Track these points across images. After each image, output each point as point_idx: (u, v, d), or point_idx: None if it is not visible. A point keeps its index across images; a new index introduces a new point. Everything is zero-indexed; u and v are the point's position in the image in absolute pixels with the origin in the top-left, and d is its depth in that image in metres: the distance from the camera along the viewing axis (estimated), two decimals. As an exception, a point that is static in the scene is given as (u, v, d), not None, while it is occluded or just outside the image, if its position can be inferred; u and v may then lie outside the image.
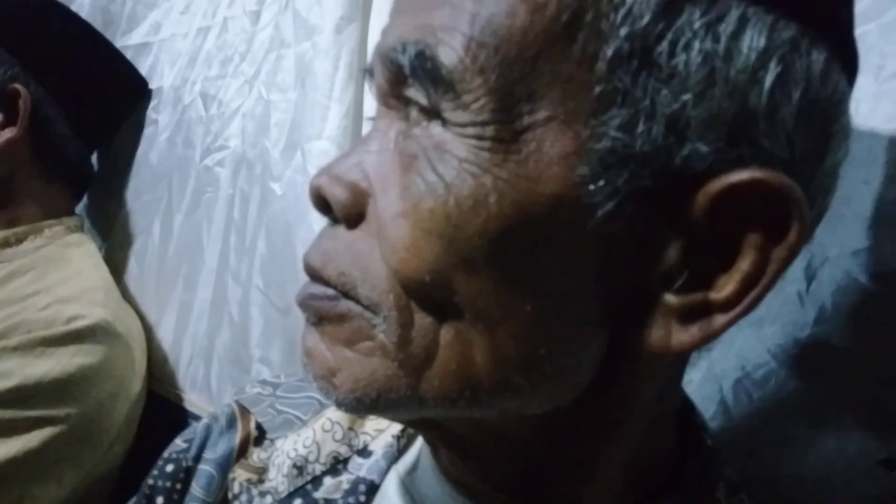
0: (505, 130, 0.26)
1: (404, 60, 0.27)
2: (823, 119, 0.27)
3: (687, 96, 0.25)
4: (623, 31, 0.25)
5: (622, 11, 0.25)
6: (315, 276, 0.30)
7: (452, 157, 0.26)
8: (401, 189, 0.27)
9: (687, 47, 0.25)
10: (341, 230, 0.30)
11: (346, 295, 0.29)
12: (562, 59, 0.25)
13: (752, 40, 0.25)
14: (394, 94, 0.29)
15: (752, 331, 0.46)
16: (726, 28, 0.25)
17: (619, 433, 0.31)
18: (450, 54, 0.26)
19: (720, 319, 0.26)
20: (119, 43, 0.95)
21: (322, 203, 0.30)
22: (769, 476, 0.44)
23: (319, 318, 0.30)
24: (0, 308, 0.72)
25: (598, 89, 0.25)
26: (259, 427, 0.42)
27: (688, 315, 0.27)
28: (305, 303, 0.30)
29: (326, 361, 0.29)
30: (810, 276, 0.44)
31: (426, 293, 0.27)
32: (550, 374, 0.27)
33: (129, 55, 0.94)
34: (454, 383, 0.27)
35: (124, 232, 0.94)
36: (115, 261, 0.93)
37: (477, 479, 0.33)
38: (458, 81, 0.26)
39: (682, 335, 0.27)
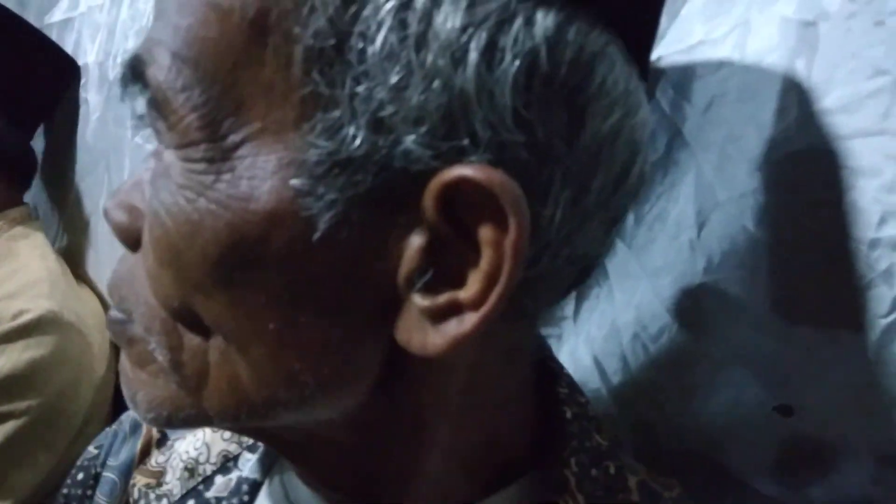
0: (214, 149, 0.24)
1: (120, 76, 0.26)
2: (564, 90, 0.24)
3: (382, 92, 0.23)
4: (310, 29, 0.23)
5: (305, 8, 0.23)
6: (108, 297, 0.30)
7: (171, 181, 0.25)
8: (146, 218, 0.27)
9: (373, 39, 0.23)
10: (129, 255, 0.30)
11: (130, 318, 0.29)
12: (259, 66, 0.24)
13: (447, 19, 0.23)
14: None
15: (649, 283, 0.45)
16: (415, 11, 0.23)
17: (425, 433, 0.30)
18: (156, 72, 0.25)
19: (471, 318, 0.24)
20: (42, 23, 0.92)
21: (111, 226, 0.30)
22: (674, 426, 0.44)
23: (119, 342, 0.31)
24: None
25: (298, 94, 0.24)
26: (162, 430, 0.42)
27: (439, 316, 0.25)
28: (108, 327, 0.31)
29: (130, 383, 0.30)
30: (701, 223, 0.43)
31: (181, 316, 0.27)
32: (316, 385, 0.27)
33: (53, 34, 0.91)
34: (229, 401, 0.27)
35: (76, 216, 0.94)
36: (73, 245, 0.93)
37: (316, 481, 0.34)
38: (163, 100, 0.25)
39: (434, 337, 0.25)
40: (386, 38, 0.23)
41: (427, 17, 0.23)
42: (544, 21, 0.23)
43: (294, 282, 0.25)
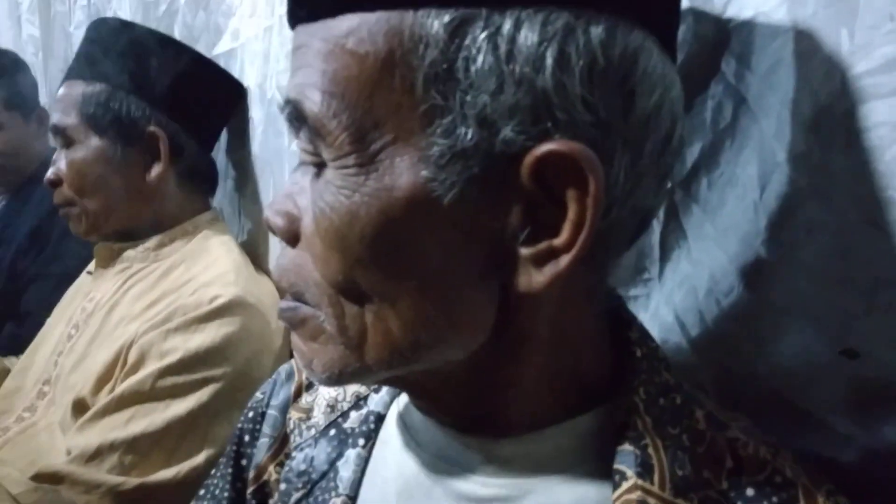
0: (362, 157, 0.34)
1: (286, 116, 0.36)
2: (617, 79, 0.33)
3: (485, 98, 0.32)
4: (426, 60, 0.32)
5: (421, 46, 0.32)
6: (277, 287, 0.40)
7: (332, 185, 0.35)
8: (311, 216, 0.36)
9: (475, 60, 0.31)
10: (289, 250, 0.39)
11: (300, 300, 0.38)
12: (390, 92, 0.33)
13: (527, 38, 0.31)
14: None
15: (720, 242, 0.49)
16: (503, 36, 0.31)
17: (527, 359, 0.38)
18: (311, 106, 0.34)
19: (565, 259, 0.33)
20: (210, 54, 1.08)
21: (271, 231, 0.39)
22: (747, 372, 0.48)
23: (292, 325, 0.40)
24: (163, 298, 0.92)
25: (421, 108, 0.32)
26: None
27: (540, 260, 0.34)
28: (280, 316, 0.40)
29: (304, 354, 0.39)
30: (763, 184, 0.46)
31: (344, 289, 0.36)
32: (448, 326, 0.36)
33: (221, 63, 1.07)
34: (384, 351, 0.36)
35: (252, 214, 1.10)
36: (251, 239, 1.10)
37: (433, 410, 0.42)
38: (320, 126, 0.34)
39: (538, 277, 0.34)
40: (484, 58, 0.31)
41: (512, 39, 0.31)
42: (597, 30, 0.32)
43: (429, 247, 0.34)
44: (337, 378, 0.38)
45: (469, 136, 0.32)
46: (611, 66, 0.32)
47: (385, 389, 0.48)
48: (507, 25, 0.31)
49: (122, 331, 0.91)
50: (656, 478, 0.36)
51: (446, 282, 0.35)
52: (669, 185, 0.52)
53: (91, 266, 1.08)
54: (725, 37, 0.48)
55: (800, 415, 0.46)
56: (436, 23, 0.31)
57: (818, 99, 0.42)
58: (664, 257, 0.54)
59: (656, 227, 0.53)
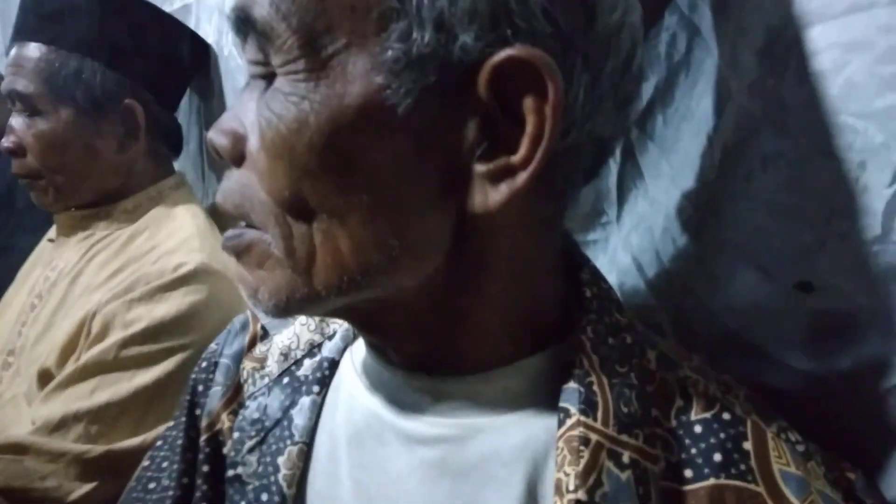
0: (313, 62, 0.32)
1: (233, 25, 0.34)
2: None
3: (443, 1, 0.30)
4: None
5: None
6: (220, 213, 0.37)
7: (280, 93, 0.33)
8: (257, 129, 0.34)
9: None
10: (233, 171, 0.37)
11: (246, 223, 0.36)
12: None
13: None
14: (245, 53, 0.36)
15: (673, 181, 0.48)
16: None
17: (482, 289, 0.37)
18: (259, 10, 0.32)
19: (522, 176, 0.32)
20: (167, 9, 1.04)
21: (217, 152, 0.37)
22: (705, 309, 0.47)
23: (237, 254, 0.37)
24: (126, 266, 0.90)
25: (375, 11, 0.31)
26: (263, 328, 0.53)
27: (497, 177, 0.33)
28: (224, 245, 0.38)
29: (250, 284, 0.37)
30: (717, 116, 0.44)
31: (291, 206, 0.34)
32: (401, 248, 0.34)
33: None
34: (333, 274, 0.34)
35: (218, 177, 1.08)
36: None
37: (386, 345, 0.41)
38: (269, 30, 0.32)
39: (494, 195, 0.33)
40: None
41: None
42: None
43: (381, 159, 0.32)
44: (285, 306, 0.36)
45: (426, 41, 0.31)
46: None
47: (339, 335, 0.48)
48: None
49: (86, 300, 0.89)
50: (599, 414, 0.36)
51: (399, 199, 0.33)
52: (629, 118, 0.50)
53: (52, 233, 1.05)
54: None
55: (757, 352, 0.45)
56: None
57: (769, 24, 0.41)
58: (622, 199, 0.53)
59: (613, 168, 0.52)
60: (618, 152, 0.51)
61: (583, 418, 0.35)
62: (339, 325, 0.48)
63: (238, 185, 0.36)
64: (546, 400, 0.38)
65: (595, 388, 0.36)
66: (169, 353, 0.82)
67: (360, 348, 0.45)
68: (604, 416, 0.36)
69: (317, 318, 0.50)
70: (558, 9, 0.31)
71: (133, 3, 0.97)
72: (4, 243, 1.39)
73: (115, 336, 0.81)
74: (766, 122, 0.41)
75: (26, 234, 1.34)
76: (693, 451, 0.36)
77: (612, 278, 0.52)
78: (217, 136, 0.36)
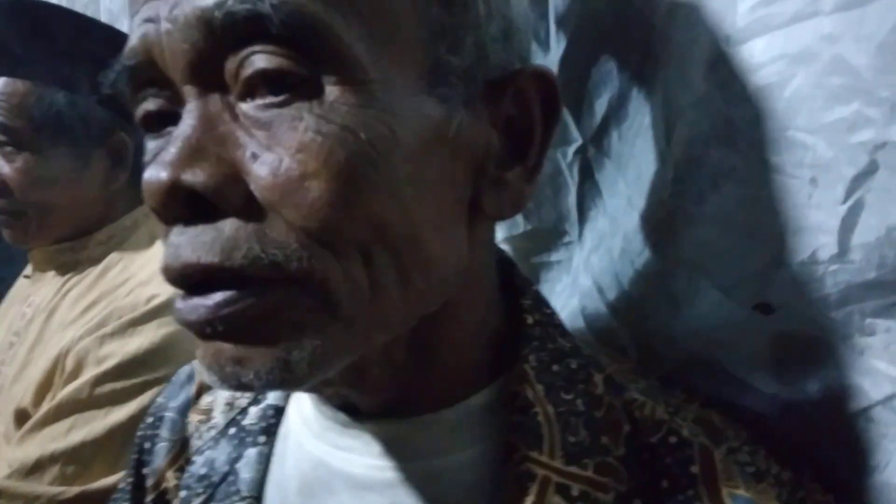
0: (376, 70, 0.29)
1: (273, 21, 0.27)
2: None
3: (480, 22, 0.32)
4: None
5: None
6: (213, 272, 0.28)
7: (344, 106, 0.28)
8: (291, 152, 0.28)
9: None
10: (208, 224, 0.29)
11: (269, 277, 0.28)
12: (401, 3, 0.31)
13: None
14: (218, 67, 0.29)
15: (629, 200, 0.46)
16: None
17: (457, 316, 0.36)
18: (322, 15, 0.28)
19: (531, 183, 0.35)
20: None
21: (176, 200, 0.28)
22: (666, 332, 0.45)
23: (244, 328, 0.29)
24: (100, 300, 0.88)
25: (429, 24, 0.31)
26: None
27: (512, 185, 0.35)
28: (217, 315, 0.28)
29: (255, 360, 0.29)
30: (668, 133, 0.43)
31: (362, 238, 0.29)
32: (450, 272, 0.34)
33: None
34: (401, 309, 0.32)
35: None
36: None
37: (354, 391, 0.37)
38: (333, 38, 0.28)
39: (513, 195, 0.35)
40: (476, 4, 0.32)
41: None
42: None
43: (437, 174, 0.32)
44: (319, 370, 0.30)
45: (468, 56, 0.32)
46: None
47: None
48: None
49: (61, 336, 0.87)
50: (545, 446, 0.34)
51: (448, 216, 0.33)
52: (581, 142, 0.49)
53: (28, 269, 1.04)
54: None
55: (722, 375, 0.43)
56: None
57: (713, 37, 0.39)
58: (582, 218, 0.51)
59: (572, 187, 0.51)
60: (575, 170, 0.50)
61: (528, 452, 0.34)
62: None
63: (240, 233, 0.28)
64: (494, 435, 0.36)
65: (540, 418, 0.35)
66: (143, 387, 0.81)
67: (304, 397, 0.43)
68: (550, 448, 0.34)
69: None
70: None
71: (103, 32, 0.95)
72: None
73: (89, 373, 0.80)
74: (715, 139, 0.39)
75: (12, 265, 1.34)
76: (642, 478, 0.35)
77: (573, 301, 0.51)
78: (194, 173, 0.28)
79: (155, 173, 0.28)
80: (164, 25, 0.29)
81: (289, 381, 0.30)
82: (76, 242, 0.97)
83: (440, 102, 0.31)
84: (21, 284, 1.07)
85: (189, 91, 0.30)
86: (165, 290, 0.85)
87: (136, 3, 0.31)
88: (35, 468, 0.77)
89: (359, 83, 0.29)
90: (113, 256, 0.95)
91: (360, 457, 0.38)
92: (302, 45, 0.28)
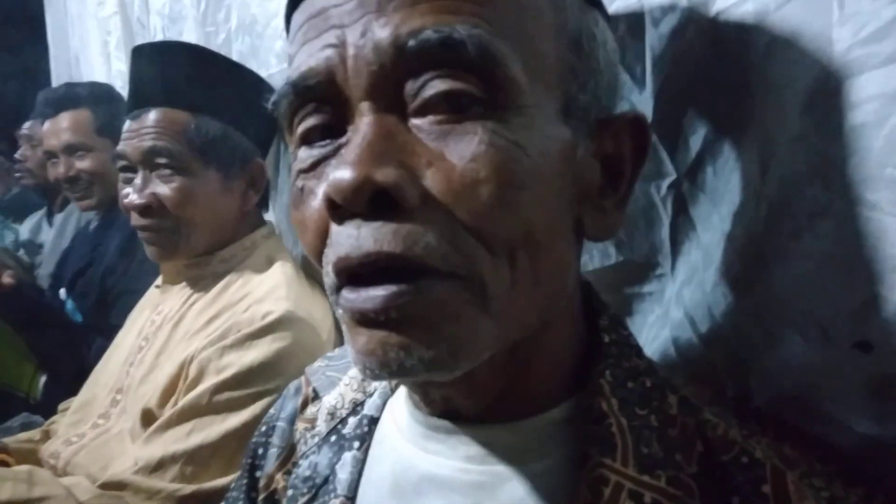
0: (533, 96, 0.35)
1: (469, 51, 0.32)
2: None
3: (599, 69, 0.38)
4: (569, 25, 0.37)
5: (566, 11, 0.37)
6: (394, 260, 0.32)
7: (513, 125, 0.33)
8: (465, 160, 0.33)
9: (591, 38, 0.38)
10: (386, 221, 0.32)
11: (438, 270, 0.32)
12: (547, 42, 0.36)
13: (601, 25, 0.40)
14: (399, 87, 0.34)
15: (724, 234, 0.46)
16: (596, 23, 0.39)
17: (551, 326, 0.39)
18: (497, 46, 0.33)
19: (621, 210, 0.40)
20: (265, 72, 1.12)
21: (364, 195, 0.32)
22: (761, 367, 0.45)
23: (406, 318, 0.32)
24: (221, 314, 0.96)
25: (567, 66, 0.37)
26: (314, 390, 0.55)
27: (610, 210, 0.39)
28: (393, 304, 0.32)
29: (417, 346, 0.33)
30: (763, 170, 0.43)
31: (516, 240, 0.34)
32: (569, 276, 0.39)
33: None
34: (532, 309, 0.37)
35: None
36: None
37: (454, 397, 0.40)
38: (505, 67, 0.33)
39: (609, 219, 0.40)
40: (596, 54, 0.38)
41: (599, 24, 0.39)
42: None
43: (570, 187, 0.37)
44: (466, 357, 0.34)
45: (587, 97, 0.37)
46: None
47: (377, 393, 0.49)
48: (596, 14, 0.39)
49: (185, 345, 0.96)
50: (619, 455, 0.36)
51: (567, 225, 0.38)
52: (675, 176, 0.50)
53: (158, 280, 1.14)
54: (721, 21, 0.46)
55: (817, 413, 0.43)
56: None
57: (810, 76, 0.40)
58: (675, 251, 0.52)
59: (665, 220, 0.52)
60: (669, 204, 0.51)
61: (602, 459, 0.36)
62: (379, 384, 0.50)
63: (427, 228, 0.32)
64: (572, 445, 0.39)
65: (614, 429, 0.37)
66: (257, 397, 0.87)
67: (399, 403, 0.47)
68: (623, 457, 0.36)
69: (359, 378, 0.52)
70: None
71: (244, 71, 1.05)
72: (125, 288, 1.52)
73: (209, 381, 0.87)
74: (810, 177, 0.40)
75: (144, 279, 1.47)
76: (713, 496, 0.36)
77: (665, 332, 0.51)
78: (384, 173, 0.32)
79: (345, 172, 0.32)
80: (351, 49, 0.34)
81: (447, 367, 0.34)
82: (202, 259, 1.05)
83: (571, 132, 0.36)
84: (152, 293, 1.17)
85: (366, 106, 0.34)
86: (279, 307, 0.92)
87: (312, 29, 0.36)
88: (158, 466, 0.84)
89: (522, 106, 0.34)
90: (234, 274, 1.03)
91: (447, 460, 0.41)
92: (483, 71, 0.33)
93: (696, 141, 0.49)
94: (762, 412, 0.44)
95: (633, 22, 0.51)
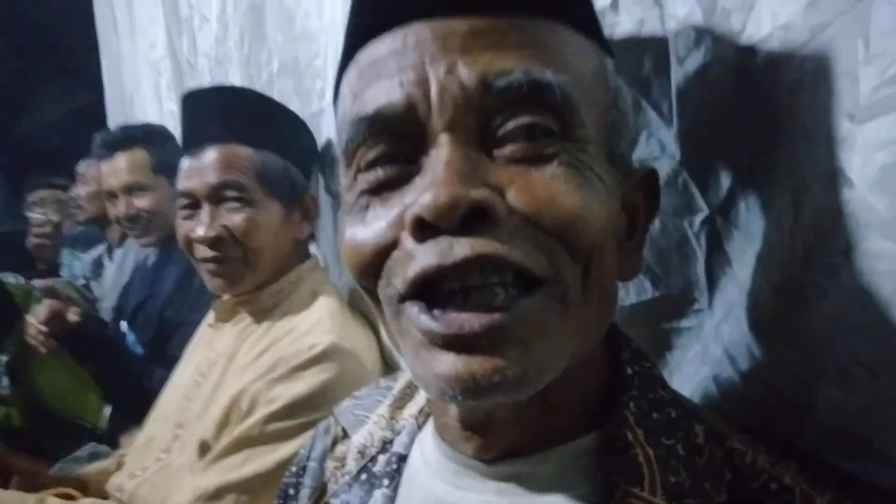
0: (585, 140, 0.38)
1: (555, 94, 0.36)
2: None
3: (629, 127, 0.42)
4: (609, 84, 0.41)
5: (607, 73, 0.41)
6: (492, 262, 0.35)
7: (578, 162, 0.37)
8: (546, 180, 0.36)
9: (622, 97, 0.42)
10: (476, 236, 0.35)
11: (531, 274, 0.35)
12: (598, 97, 0.40)
13: (619, 83, 0.43)
14: (485, 121, 0.37)
15: (759, 270, 0.46)
16: (619, 84, 0.42)
17: (582, 360, 0.40)
18: (576, 94, 0.37)
19: (640, 251, 0.43)
20: (303, 114, 1.15)
21: (458, 211, 0.34)
22: (806, 405, 0.44)
23: (500, 337, 0.35)
24: (270, 347, 0.99)
25: (611, 118, 0.41)
26: (343, 429, 0.57)
27: (631, 253, 0.42)
28: (482, 328, 0.34)
29: (512, 367, 0.35)
30: (796, 207, 0.43)
31: (583, 246, 0.37)
32: (613, 305, 0.42)
33: (311, 122, 1.13)
34: (594, 323, 0.39)
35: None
36: (352, 283, 1.16)
37: (485, 435, 0.42)
38: (577, 109, 0.37)
39: (631, 262, 0.43)
40: (627, 114, 0.42)
41: (627, 104, 0.42)
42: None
43: (615, 226, 0.39)
44: (548, 371, 0.36)
45: (621, 151, 0.41)
46: None
47: (405, 432, 0.51)
48: (621, 82, 0.42)
49: (238, 379, 0.99)
50: (647, 484, 0.37)
51: (613, 260, 0.40)
52: (707, 212, 0.50)
53: (210, 319, 1.18)
54: (747, 58, 0.46)
55: (867, 450, 0.42)
56: (608, 61, 0.41)
57: (838, 114, 0.40)
58: (712, 286, 0.52)
59: (700, 255, 0.52)
60: (703, 239, 0.51)
61: (630, 488, 0.37)
62: (406, 421, 0.52)
63: (518, 237, 0.35)
64: (598, 476, 0.39)
65: (641, 459, 0.38)
66: (305, 427, 0.89)
67: (427, 440, 0.48)
68: (651, 486, 0.37)
69: (387, 416, 0.53)
70: None
71: (290, 112, 1.10)
72: (182, 320, 1.57)
73: (260, 413, 0.90)
74: (843, 215, 0.40)
75: (199, 311, 1.52)
76: None
77: (704, 370, 0.51)
78: (480, 192, 0.35)
79: (438, 191, 0.34)
80: (435, 86, 0.37)
81: (532, 384, 0.35)
82: (252, 295, 1.08)
83: (613, 177, 0.39)
84: (204, 331, 1.21)
85: (446, 137, 0.36)
86: (324, 340, 0.94)
87: (385, 68, 0.38)
88: (215, 496, 0.87)
89: (586, 142, 0.38)
90: (281, 308, 1.06)
91: (476, 494, 0.42)
92: (562, 113, 0.37)
93: (726, 177, 0.49)
94: (810, 455, 0.44)
95: (659, 58, 0.51)
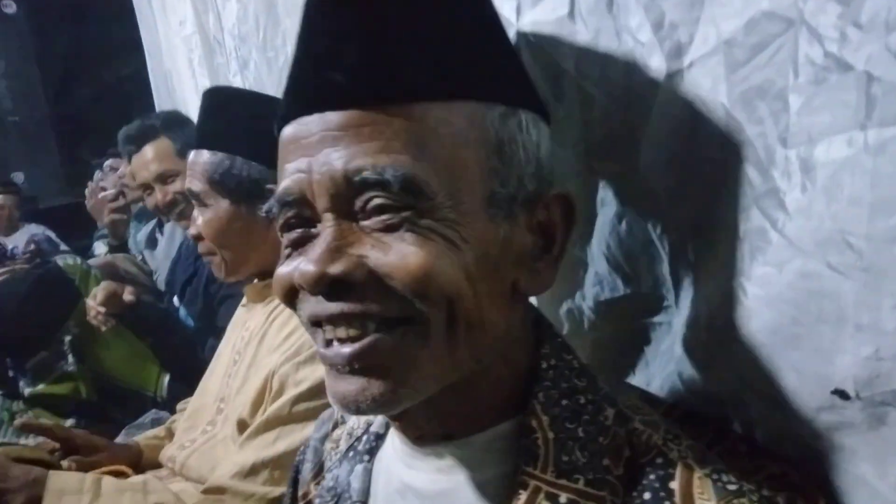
0: (456, 213, 0.43)
1: (392, 186, 0.42)
2: None
3: (521, 165, 0.45)
4: (491, 134, 0.45)
5: (488, 128, 0.45)
6: (354, 317, 0.43)
7: (430, 220, 0.43)
8: (399, 245, 0.42)
9: (512, 142, 0.45)
10: (342, 300, 0.44)
11: (391, 316, 0.43)
12: (473, 161, 0.44)
13: (528, 126, 0.46)
14: (350, 203, 0.43)
15: (714, 277, 0.48)
16: (521, 125, 0.46)
17: (497, 362, 0.47)
18: (427, 179, 0.43)
19: (556, 265, 0.47)
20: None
21: (322, 284, 0.43)
22: (760, 402, 0.46)
23: (374, 363, 0.44)
24: (296, 330, 1.05)
25: (487, 170, 0.44)
26: (342, 416, 0.64)
27: (544, 267, 0.47)
28: (357, 353, 0.43)
29: (384, 388, 0.44)
30: (744, 226, 0.44)
31: (438, 295, 0.43)
32: (502, 326, 0.46)
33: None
34: (466, 355, 0.45)
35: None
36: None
37: (407, 425, 0.50)
38: (426, 188, 0.42)
39: (542, 277, 0.47)
40: (518, 153, 0.45)
41: (522, 127, 0.46)
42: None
43: (497, 259, 0.44)
44: (414, 394, 0.44)
45: (511, 189, 0.45)
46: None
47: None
48: (521, 118, 0.46)
49: (269, 359, 1.05)
50: (539, 463, 0.44)
51: (504, 285, 0.46)
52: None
53: (244, 300, 1.25)
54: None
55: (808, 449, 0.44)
56: (491, 113, 0.44)
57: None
58: (677, 286, 0.53)
59: (664, 257, 0.53)
60: (665, 242, 0.52)
61: (525, 468, 0.44)
62: None
63: (376, 294, 0.43)
64: (512, 457, 0.46)
65: (540, 442, 0.45)
66: (329, 406, 0.95)
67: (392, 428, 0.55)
68: (543, 465, 0.44)
69: None
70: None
71: (252, 97, 1.14)
72: (226, 293, 1.66)
73: (289, 394, 0.97)
74: (780, 230, 0.41)
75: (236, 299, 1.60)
76: (633, 493, 0.43)
77: (671, 366, 0.53)
78: (335, 267, 0.42)
79: (308, 266, 0.43)
80: (315, 176, 0.44)
81: (391, 403, 0.44)
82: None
83: (490, 220, 0.44)
84: (239, 312, 1.28)
85: (328, 216, 0.45)
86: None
87: (290, 153, 0.46)
88: (251, 471, 0.95)
89: (439, 208, 0.43)
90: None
91: (422, 473, 0.50)
92: (409, 192, 0.42)
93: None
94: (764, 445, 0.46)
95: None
